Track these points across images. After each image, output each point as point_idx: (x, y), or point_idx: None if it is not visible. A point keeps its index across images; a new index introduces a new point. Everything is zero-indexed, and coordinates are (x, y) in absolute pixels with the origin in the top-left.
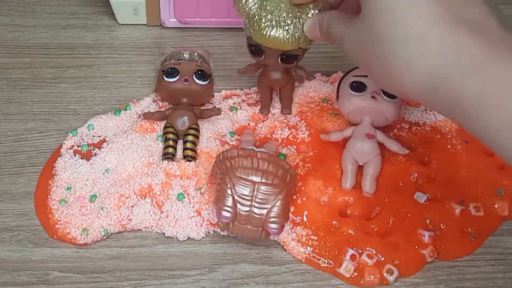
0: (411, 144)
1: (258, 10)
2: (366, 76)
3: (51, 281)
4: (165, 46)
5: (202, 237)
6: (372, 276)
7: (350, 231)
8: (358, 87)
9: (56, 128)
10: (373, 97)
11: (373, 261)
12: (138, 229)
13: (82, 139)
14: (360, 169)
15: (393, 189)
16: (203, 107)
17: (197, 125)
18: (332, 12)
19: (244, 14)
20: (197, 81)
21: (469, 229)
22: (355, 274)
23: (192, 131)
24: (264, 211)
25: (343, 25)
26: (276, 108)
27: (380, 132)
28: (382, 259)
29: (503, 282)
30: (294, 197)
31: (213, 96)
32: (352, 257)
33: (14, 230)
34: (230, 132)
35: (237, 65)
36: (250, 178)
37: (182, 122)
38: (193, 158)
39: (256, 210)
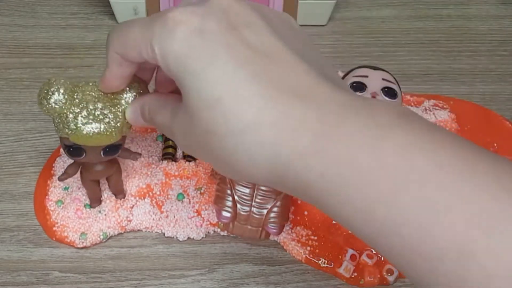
0: None
1: (69, 106)
2: (366, 76)
3: (51, 281)
4: None
5: (202, 237)
6: (372, 276)
7: (350, 231)
8: (358, 87)
9: None
10: (373, 97)
11: (373, 261)
12: (138, 230)
13: None
14: None
15: None
16: None
17: None
18: (152, 96)
19: (54, 114)
20: None
21: None
22: (355, 274)
23: None
24: (264, 212)
25: (168, 114)
26: None
27: None
28: (382, 259)
29: None
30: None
31: None
32: (352, 257)
33: (14, 230)
34: None
35: None
36: None
37: None
38: (193, 158)
39: (256, 211)
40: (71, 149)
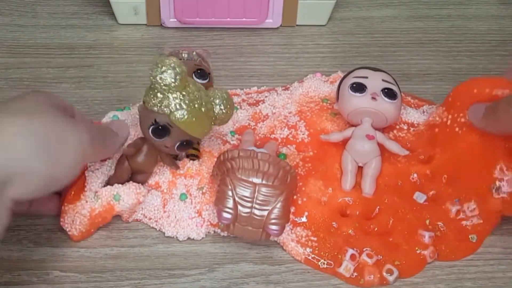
0: (410, 144)
1: (180, 89)
2: (366, 77)
3: (51, 281)
4: (164, 47)
5: (202, 238)
6: (372, 276)
7: (350, 231)
8: (358, 88)
9: None
10: (373, 98)
11: (373, 260)
12: (140, 220)
13: None
14: (360, 169)
15: (393, 190)
16: None
17: None
18: None
19: (163, 88)
20: (197, 80)
21: (469, 229)
22: (355, 274)
23: None
24: (265, 213)
25: None
26: (276, 107)
27: (380, 133)
28: (381, 258)
29: (502, 282)
30: (295, 197)
31: None
32: (352, 257)
33: (14, 229)
34: (230, 132)
35: (237, 65)
36: (250, 179)
37: None
38: (197, 157)
39: (256, 212)
40: (160, 127)
